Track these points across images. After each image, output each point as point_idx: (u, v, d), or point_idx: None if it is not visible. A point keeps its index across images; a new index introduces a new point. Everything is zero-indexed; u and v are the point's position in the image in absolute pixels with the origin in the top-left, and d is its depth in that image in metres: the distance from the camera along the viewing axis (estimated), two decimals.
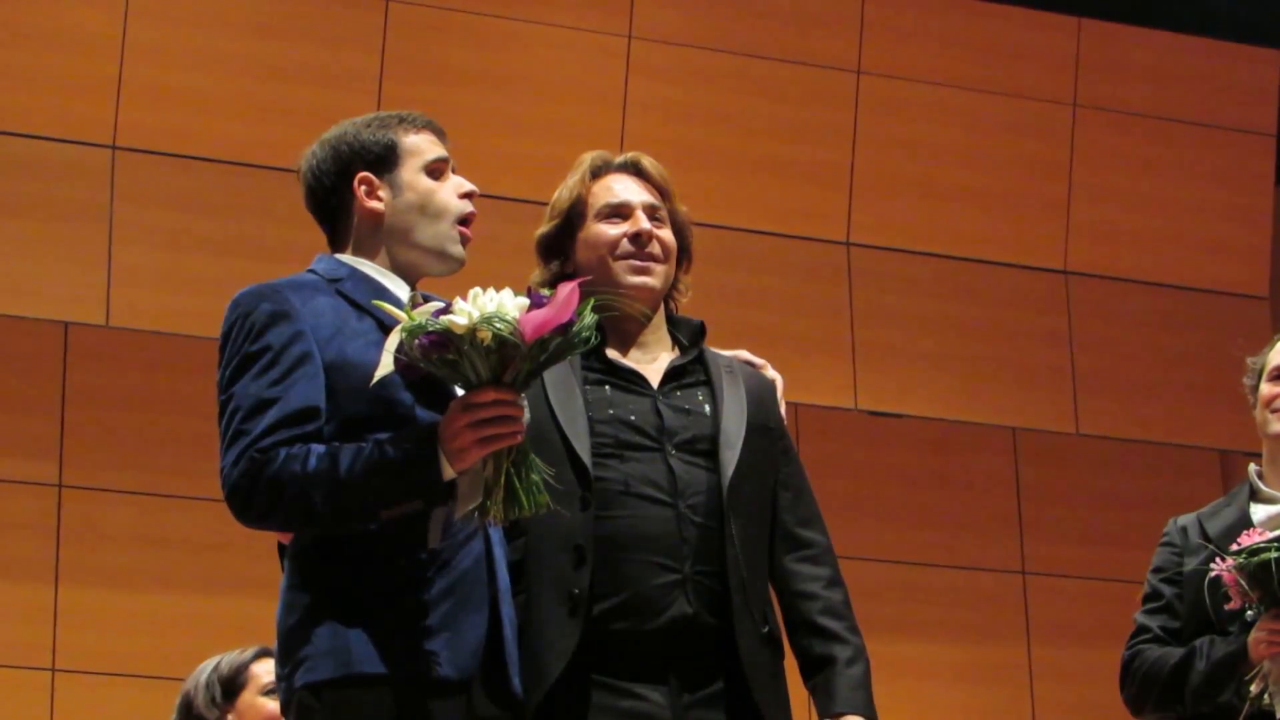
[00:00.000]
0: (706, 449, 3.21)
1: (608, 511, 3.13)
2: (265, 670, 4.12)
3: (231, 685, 4.15)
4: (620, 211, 3.33)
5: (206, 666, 4.22)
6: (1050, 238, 8.08)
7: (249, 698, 4.13)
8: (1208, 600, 3.73)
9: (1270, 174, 8.38)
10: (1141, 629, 3.87)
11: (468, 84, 7.31)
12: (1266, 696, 3.56)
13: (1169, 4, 8.26)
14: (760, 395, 3.33)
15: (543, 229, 3.37)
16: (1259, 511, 3.82)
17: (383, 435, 2.85)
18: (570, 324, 2.78)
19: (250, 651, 4.19)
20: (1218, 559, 3.60)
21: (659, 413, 3.22)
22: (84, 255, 6.80)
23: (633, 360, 3.29)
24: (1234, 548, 3.59)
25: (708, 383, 3.30)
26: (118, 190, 6.87)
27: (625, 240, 3.30)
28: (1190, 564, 3.79)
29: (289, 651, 2.89)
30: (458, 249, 3.08)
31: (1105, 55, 8.19)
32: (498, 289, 2.79)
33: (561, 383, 3.19)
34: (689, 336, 3.36)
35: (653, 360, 3.31)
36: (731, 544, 3.15)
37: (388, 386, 2.87)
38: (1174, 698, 3.76)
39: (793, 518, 3.30)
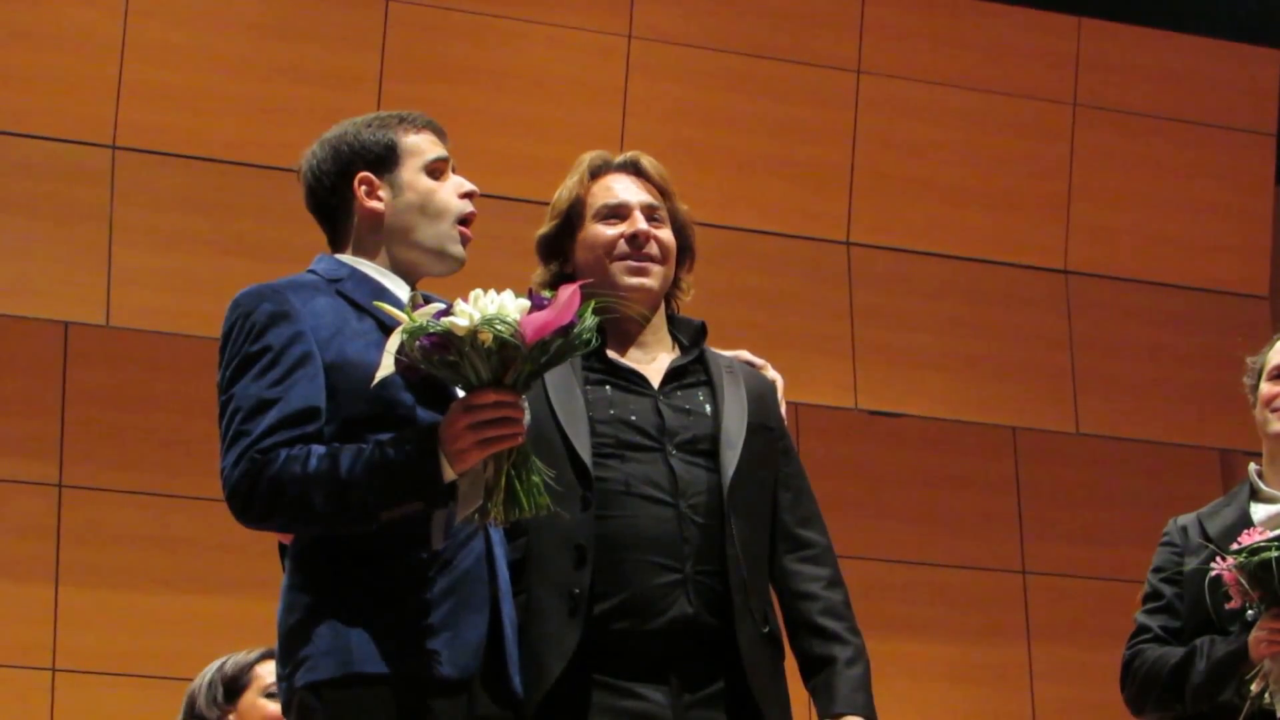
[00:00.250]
0: (707, 449, 3.21)
1: (608, 511, 3.13)
2: (268, 672, 4.12)
3: (234, 686, 4.15)
4: (618, 212, 3.32)
5: (212, 666, 4.22)
6: (1050, 237, 8.08)
7: (250, 699, 4.13)
8: (1208, 600, 3.73)
9: (1271, 174, 8.38)
10: (1142, 629, 3.87)
11: (468, 83, 7.31)
12: (1267, 696, 3.56)
13: (1169, 4, 8.26)
14: (761, 395, 3.33)
15: (543, 229, 3.37)
16: (1259, 511, 3.82)
17: (383, 436, 2.85)
18: (571, 326, 2.78)
19: (256, 653, 4.19)
20: (1218, 558, 3.60)
21: (660, 413, 3.22)
22: (84, 255, 6.80)
23: (633, 360, 3.29)
24: (1234, 547, 3.59)
25: (708, 383, 3.30)
26: (118, 190, 6.87)
27: (622, 241, 3.29)
28: (1190, 563, 3.79)
29: (290, 651, 2.89)
30: (458, 249, 3.08)
31: (1105, 55, 8.18)
32: (498, 289, 2.79)
33: (562, 383, 3.19)
34: (690, 337, 3.36)
35: (653, 360, 3.31)
36: (732, 544, 3.15)
37: (388, 387, 2.87)
38: (1174, 697, 3.76)
39: (793, 518, 3.30)
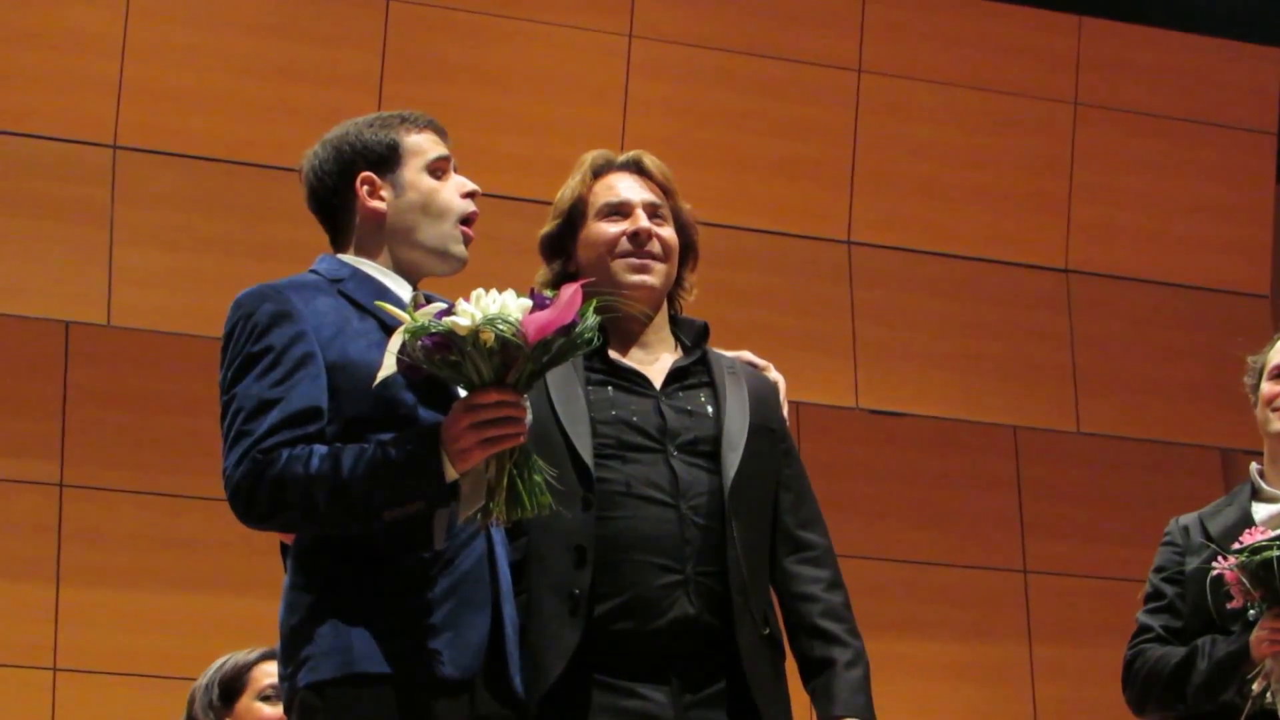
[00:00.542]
0: (709, 450, 3.21)
1: (609, 512, 3.13)
2: (264, 674, 4.11)
3: (230, 690, 4.13)
4: (620, 210, 3.32)
5: (212, 667, 4.21)
6: (1051, 236, 8.08)
7: (246, 703, 4.12)
8: (1210, 599, 3.73)
9: (1271, 172, 8.38)
10: (1143, 628, 3.87)
11: (468, 83, 7.31)
12: (1268, 695, 3.55)
13: (1170, 2, 8.26)
14: (763, 396, 3.33)
15: (545, 229, 3.37)
16: (1260, 510, 3.82)
17: (385, 436, 2.85)
18: (573, 325, 2.78)
19: (255, 654, 4.18)
20: (1220, 558, 3.60)
21: (661, 414, 3.22)
22: (85, 255, 6.80)
23: (635, 360, 3.29)
24: (1236, 546, 3.59)
25: (710, 384, 3.30)
26: (118, 190, 6.87)
27: (624, 239, 3.29)
28: (1192, 563, 3.78)
29: (292, 651, 2.89)
30: (460, 249, 3.09)
31: (1106, 54, 8.18)
32: (499, 288, 2.79)
33: (564, 383, 3.19)
34: (692, 337, 3.35)
35: (655, 361, 3.30)
36: (733, 545, 3.15)
37: (390, 387, 2.87)
38: (1176, 697, 3.76)
39: (794, 519, 3.30)
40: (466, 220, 3.09)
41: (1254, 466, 3.92)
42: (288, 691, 2.91)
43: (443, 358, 2.77)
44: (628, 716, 3.06)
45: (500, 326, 2.73)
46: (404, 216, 3.06)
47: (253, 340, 2.92)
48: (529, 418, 2.83)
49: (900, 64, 7.91)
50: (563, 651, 3.05)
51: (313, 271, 3.06)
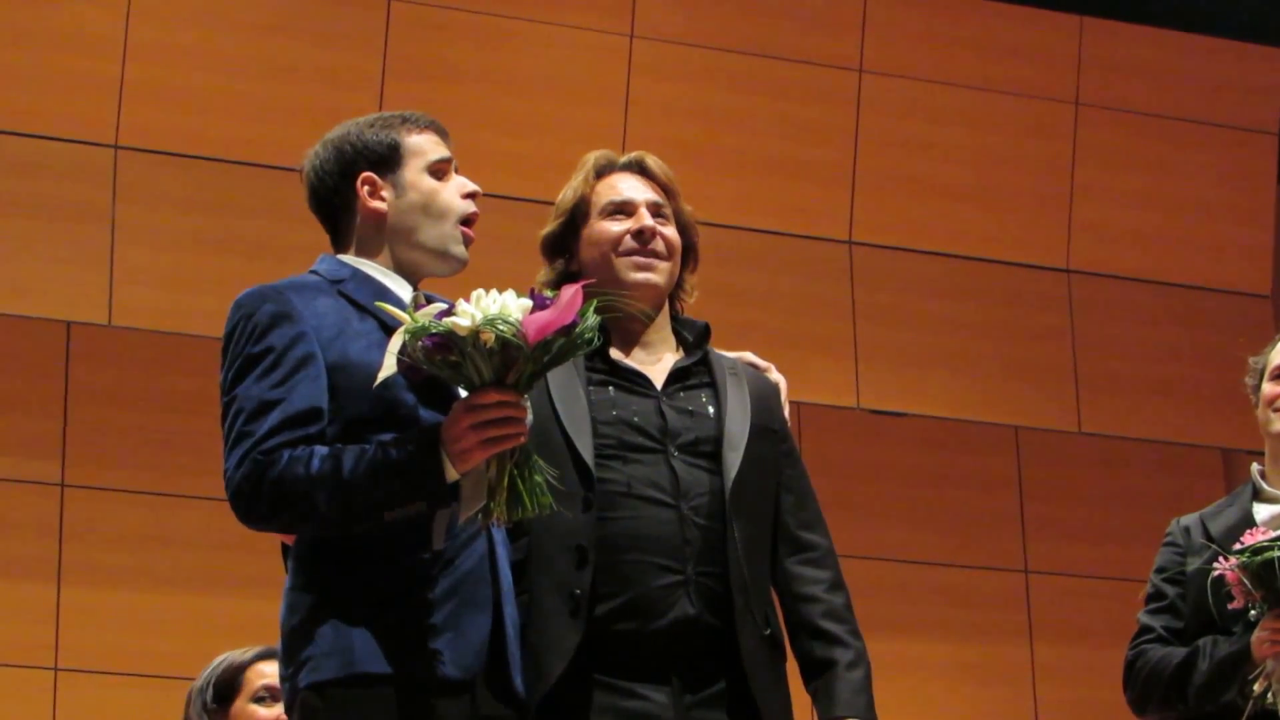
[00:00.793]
0: (709, 451, 3.21)
1: (610, 512, 3.13)
2: (259, 675, 4.10)
3: (227, 690, 4.12)
4: (624, 209, 3.33)
5: (208, 668, 4.19)
6: (1053, 236, 8.08)
7: (241, 705, 4.11)
8: (1211, 600, 3.73)
9: (1273, 172, 8.38)
10: (1145, 629, 3.87)
11: (470, 83, 7.31)
12: (1270, 696, 3.56)
13: (1171, 3, 8.26)
14: (764, 397, 3.33)
15: (547, 228, 3.37)
16: (1262, 511, 3.82)
17: (386, 437, 2.85)
18: (573, 325, 2.78)
19: (251, 653, 4.16)
20: (1221, 558, 3.60)
21: (662, 414, 3.22)
22: (86, 255, 6.80)
23: (636, 361, 3.29)
24: (1237, 547, 3.59)
25: (712, 384, 3.30)
26: (120, 190, 6.87)
27: (628, 237, 3.30)
28: (1193, 564, 3.78)
29: (293, 652, 2.89)
30: (460, 249, 3.09)
31: (1107, 54, 8.18)
32: (500, 288, 2.79)
33: (565, 383, 3.19)
34: (694, 337, 3.36)
35: (657, 361, 3.31)
36: (734, 546, 3.15)
37: (390, 388, 2.87)
38: (1177, 697, 3.76)
39: (795, 520, 3.30)
40: (467, 221, 3.09)
41: (1255, 467, 3.92)
42: (289, 692, 2.92)
43: (443, 358, 2.77)
44: (628, 717, 3.06)
45: (500, 327, 2.73)
46: (405, 217, 3.06)
47: (253, 341, 2.92)
48: (529, 418, 2.83)
49: (901, 64, 7.91)
50: (563, 652, 3.05)
51: (313, 272, 3.06)
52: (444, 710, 2.85)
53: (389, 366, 2.81)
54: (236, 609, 6.41)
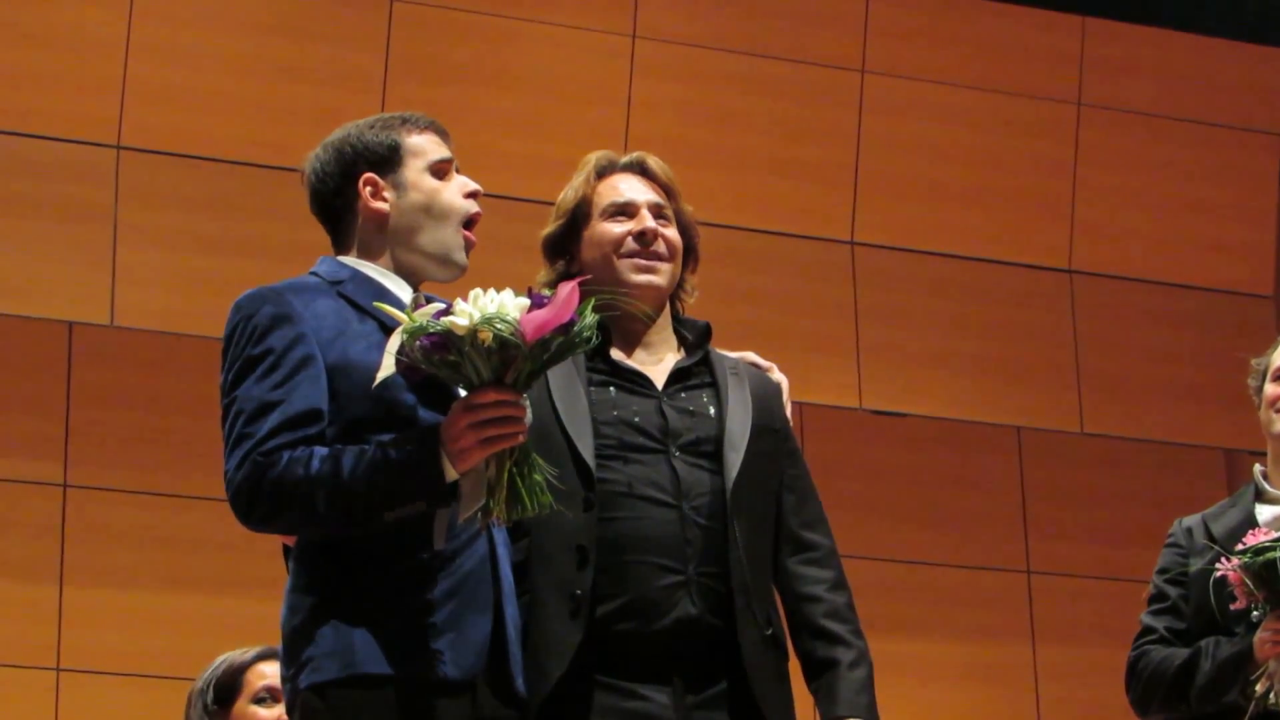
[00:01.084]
0: (710, 451, 3.21)
1: (611, 513, 3.13)
2: (259, 675, 4.09)
3: (228, 691, 4.11)
4: (625, 210, 3.33)
5: (208, 669, 4.18)
6: (1055, 237, 8.08)
7: (242, 706, 4.10)
8: (1213, 600, 3.73)
9: (1275, 173, 8.37)
10: (1147, 630, 3.87)
11: (472, 83, 7.31)
12: (1272, 696, 3.56)
13: (1174, 3, 8.25)
14: (765, 397, 3.33)
15: (548, 229, 3.37)
16: (1264, 512, 3.82)
17: (385, 437, 2.85)
18: (571, 324, 2.78)
19: (251, 653, 4.15)
20: (1223, 559, 3.60)
21: (663, 414, 3.22)
22: (88, 255, 6.80)
23: (638, 361, 3.29)
24: (1239, 547, 3.59)
25: (713, 384, 3.30)
26: (122, 190, 6.87)
27: (630, 238, 3.30)
28: (1195, 564, 3.78)
29: (293, 653, 2.89)
30: (461, 255, 3.09)
31: (1109, 54, 8.18)
32: (501, 289, 2.79)
33: (566, 383, 3.19)
34: (695, 337, 3.36)
35: (658, 361, 3.31)
36: (735, 546, 3.15)
37: (390, 388, 2.87)
38: (1179, 698, 3.76)
39: (797, 520, 3.30)
40: (470, 221, 3.09)
41: (1257, 468, 3.92)
42: (290, 693, 2.92)
43: (441, 358, 2.77)
44: (630, 717, 3.06)
45: (498, 326, 2.73)
46: (407, 217, 3.06)
47: (253, 343, 2.92)
48: (528, 417, 2.83)
49: (904, 64, 7.91)
50: (564, 652, 3.05)
51: (313, 274, 3.06)
52: (445, 711, 2.85)
53: (388, 367, 2.81)
54: (238, 609, 6.41)
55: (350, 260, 3.07)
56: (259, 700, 4.07)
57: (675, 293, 3.37)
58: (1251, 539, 3.57)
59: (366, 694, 2.83)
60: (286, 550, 3.16)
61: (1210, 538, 3.81)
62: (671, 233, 3.34)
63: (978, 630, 7.76)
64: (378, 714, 2.83)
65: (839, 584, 3.27)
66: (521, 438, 2.81)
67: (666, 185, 3.38)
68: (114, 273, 6.81)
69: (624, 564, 3.10)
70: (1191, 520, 3.93)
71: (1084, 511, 7.99)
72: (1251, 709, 3.59)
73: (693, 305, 3.43)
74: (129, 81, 6.91)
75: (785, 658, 3.24)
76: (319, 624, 2.86)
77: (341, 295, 3.00)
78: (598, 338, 2.85)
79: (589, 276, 3.12)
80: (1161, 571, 3.90)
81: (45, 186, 6.81)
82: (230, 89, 7.04)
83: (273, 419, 2.86)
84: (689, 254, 3.38)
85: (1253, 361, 3.95)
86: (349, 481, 2.81)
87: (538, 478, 2.82)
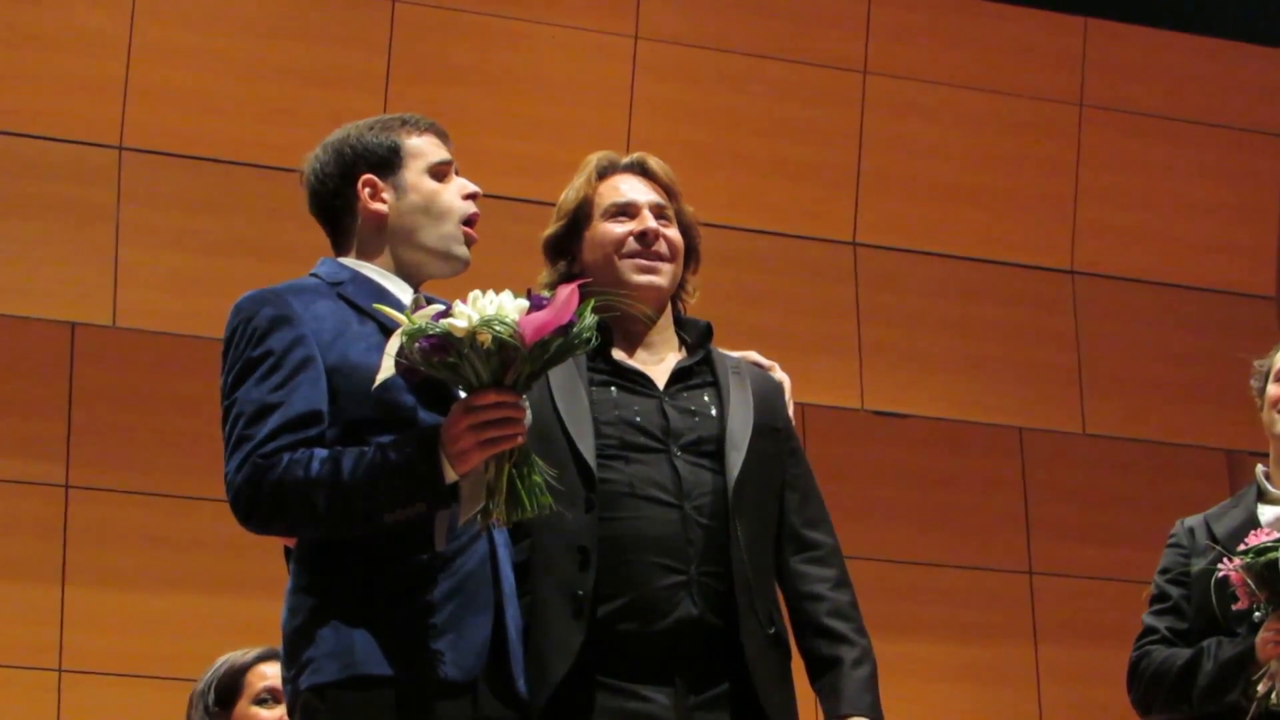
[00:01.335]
0: (712, 450, 3.21)
1: (612, 513, 3.13)
2: (260, 677, 4.09)
3: (229, 693, 4.11)
4: (627, 210, 3.33)
5: (209, 670, 4.18)
6: (1057, 238, 8.08)
7: (243, 707, 4.10)
8: (1215, 601, 3.73)
9: (1277, 173, 8.37)
10: (1149, 630, 3.87)
11: (473, 84, 7.31)
12: (1274, 696, 3.56)
13: (1175, 4, 8.25)
14: (767, 396, 3.33)
15: (549, 230, 3.37)
16: (1266, 512, 3.82)
17: (385, 438, 2.85)
18: (570, 325, 2.78)
19: (252, 654, 4.15)
20: (1225, 559, 3.60)
21: (664, 414, 3.22)
22: (90, 256, 6.80)
23: (639, 361, 3.29)
24: (1241, 548, 3.59)
25: (714, 384, 3.30)
26: (124, 191, 6.87)
27: (631, 239, 3.30)
28: (1197, 565, 3.78)
29: (294, 654, 2.89)
30: (462, 250, 3.09)
31: (1112, 55, 8.18)
32: (502, 289, 2.79)
33: (567, 384, 3.19)
34: (696, 337, 3.36)
35: (659, 361, 3.31)
36: (736, 545, 3.15)
37: (389, 389, 2.87)
38: (1181, 698, 3.76)
39: (800, 519, 3.30)
40: (468, 222, 3.10)
41: (1259, 469, 3.92)
42: (290, 694, 2.92)
43: (441, 359, 2.77)
44: (631, 718, 3.06)
45: (497, 328, 2.74)
46: (406, 218, 3.07)
47: (252, 345, 2.92)
48: (528, 418, 2.83)
49: (906, 65, 7.91)
50: (566, 653, 3.05)
51: (312, 275, 3.06)
52: (445, 712, 2.85)
53: (387, 368, 2.81)
54: (240, 610, 6.41)
55: (350, 261, 3.07)
56: (260, 701, 4.07)
57: (677, 293, 3.37)
58: (1253, 539, 3.57)
59: (367, 695, 2.83)
60: (287, 551, 3.16)
61: (1212, 538, 3.81)
62: (673, 233, 3.34)
63: (980, 631, 7.76)
64: (378, 715, 2.83)
65: (842, 582, 3.27)
66: (521, 439, 2.81)
67: (667, 185, 3.38)
68: (116, 273, 6.81)
69: (626, 564, 3.11)
70: (1193, 520, 3.93)
71: (1085, 512, 7.99)
72: (1253, 709, 3.59)
73: (694, 306, 3.43)
74: (131, 82, 6.91)
75: (788, 657, 3.24)
76: (319, 625, 2.86)
77: (341, 297, 3.00)
78: (597, 339, 2.85)
79: (590, 279, 3.12)
80: (1163, 572, 3.91)
81: (48, 187, 6.81)
82: (232, 90, 7.04)
83: (273, 421, 2.86)
84: (690, 254, 3.38)
85: (1255, 362, 3.95)
86: (349, 483, 2.81)
87: (537, 479, 2.82)
